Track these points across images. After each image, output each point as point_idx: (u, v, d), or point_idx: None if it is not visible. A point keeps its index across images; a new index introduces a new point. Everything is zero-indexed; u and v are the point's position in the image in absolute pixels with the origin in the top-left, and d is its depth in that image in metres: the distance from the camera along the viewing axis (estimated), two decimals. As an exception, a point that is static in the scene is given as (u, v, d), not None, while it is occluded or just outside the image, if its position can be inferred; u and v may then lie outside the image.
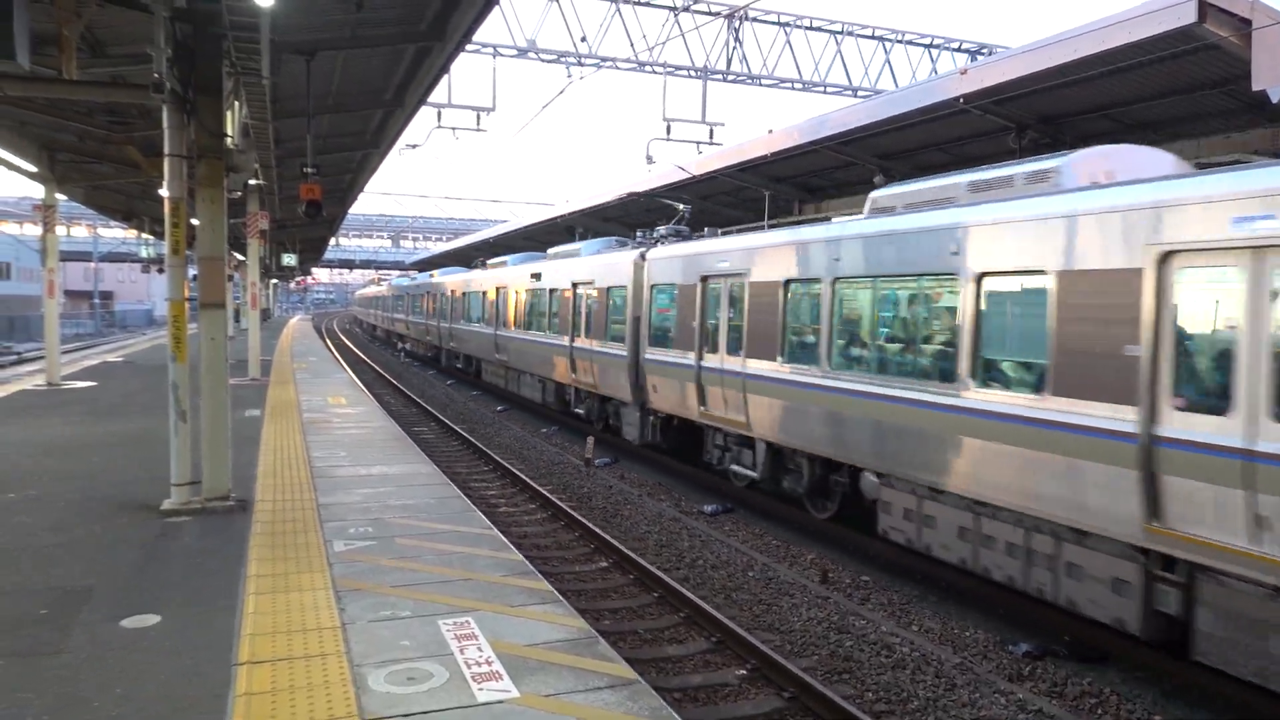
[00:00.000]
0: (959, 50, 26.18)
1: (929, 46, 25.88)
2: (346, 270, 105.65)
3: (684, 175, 19.28)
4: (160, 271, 36.31)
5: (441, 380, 30.83)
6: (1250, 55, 9.11)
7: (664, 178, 20.68)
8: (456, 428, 18.33)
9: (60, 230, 17.88)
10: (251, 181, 16.87)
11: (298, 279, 77.96)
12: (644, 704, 4.53)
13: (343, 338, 56.93)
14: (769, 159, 16.89)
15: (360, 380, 24.76)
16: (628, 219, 27.31)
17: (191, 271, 13.30)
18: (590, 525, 10.64)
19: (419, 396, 24.64)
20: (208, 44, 7.97)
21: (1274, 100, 9.19)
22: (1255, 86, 9.15)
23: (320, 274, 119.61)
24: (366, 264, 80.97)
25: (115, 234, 62.93)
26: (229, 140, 8.87)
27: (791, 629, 7.95)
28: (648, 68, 22.65)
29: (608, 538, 10.12)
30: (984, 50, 25.99)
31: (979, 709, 6.44)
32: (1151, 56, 10.33)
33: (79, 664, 4.87)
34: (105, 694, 4.53)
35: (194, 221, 9.15)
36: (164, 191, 8.13)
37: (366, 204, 72.36)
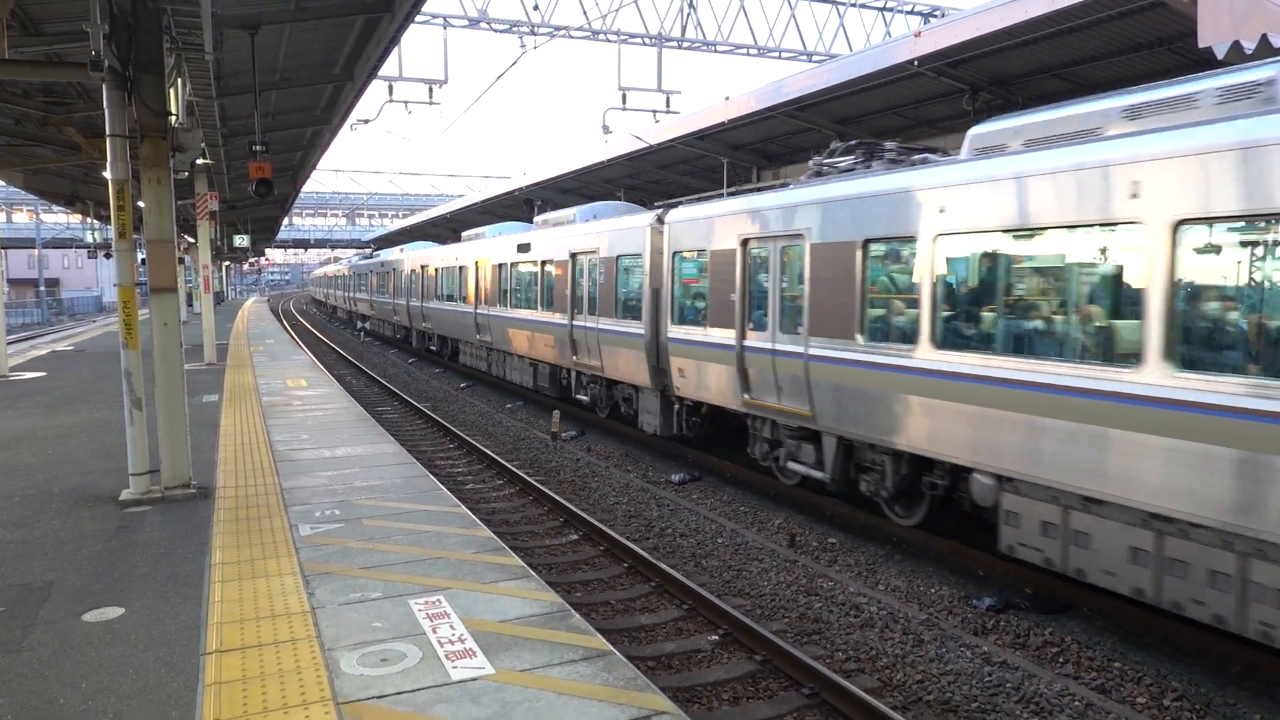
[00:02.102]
0: (912, 13, 26.20)
1: (882, 10, 25.87)
2: (301, 250, 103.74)
3: (641, 145, 19.14)
4: (108, 257, 35.39)
5: (403, 359, 30.52)
6: (1196, 12, 9.21)
7: (621, 148, 20.50)
8: (420, 406, 18.18)
9: (0, 216, 17.33)
10: (199, 161, 16.46)
11: (251, 260, 76.31)
12: (618, 674, 4.56)
13: (300, 319, 56.09)
14: (726, 126, 16.84)
15: (320, 361, 24.47)
16: (586, 190, 27.09)
17: (140, 256, 13.01)
18: (559, 499, 10.65)
19: (381, 376, 24.39)
20: (146, 19, 7.70)
21: (1220, 57, 9.30)
22: (1201, 44, 9.26)
23: (274, 255, 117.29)
24: (321, 243, 79.63)
25: (59, 219, 61.16)
26: (173, 119, 8.63)
27: (761, 593, 8.04)
28: (602, 36, 22.38)
29: (577, 510, 10.14)
30: (937, 13, 26.04)
31: (946, 663, 6.59)
32: (1101, 15, 10.42)
33: (43, 661, 4.78)
34: (72, 690, 4.45)
35: (141, 204, 8.91)
36: (108, 174, 7.89)
37: (320, 182, 70.44)
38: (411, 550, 6.49)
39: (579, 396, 16.25)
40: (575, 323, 15.68)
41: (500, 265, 20.00)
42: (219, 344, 21.69)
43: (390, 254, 36.75)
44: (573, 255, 15.78)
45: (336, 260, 74.48)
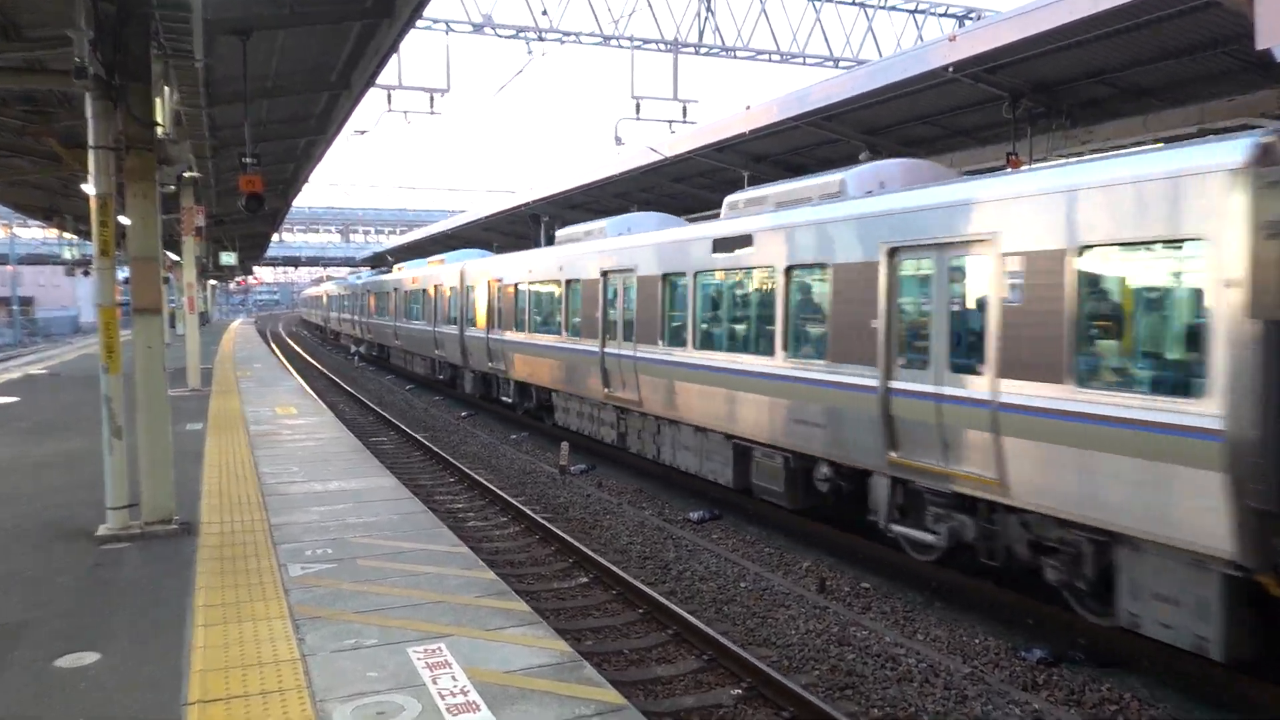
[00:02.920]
0: (945, 15, 26.36)
1: (914, 12, 26.04)
2: (291, 268, 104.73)
3: (656, 157, 19.25)
4: (86, 274, 35.73)
5: (400, 385, 30.60)
6: (1253, 12, 9.20)
7: (634, 160, 20.64)
8: (418, 436, 18.20)
9: (-26, 232, 17.58)
10: (186, 174, 16.63)
11: (238, 279, 77.11)
12: (636, 731, 4.49)
13: (290, 342, 56.37)
14: (747, 137, 16.93)
15: (311, 387, 24.53)
16: (595, 205, 27.25)
17: (122, 274, 13.13)
18: (568, 538, 10.60)
19: (376, 403, 24.44)
20: (134, 24, 7.80)
21: (1279, 59, 9.28)
22: (1259, 45, 9.22)
23: (263, 273, 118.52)
24: (313, 261, 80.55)
25: (35, 234, 61.93)
26: (160, 129, 8.71)
27: (789, 643, 7.95)
28: (614, 42, 22.59)
29: (587, 551, 10.09)
30: (972, 15, 26.19)
31: (992, 721, 6.47)
32: (1150, 17, 10.44)
33: (11, 710, 4.75)
34: (42, 743, 4.42)
35: (123, 220, 8.97)
36: (89, 187, 7.97)
37: (312, 195, 71.45)
38: (409, 593, 6.46)
39: (900, 529, 9.28)
40: (900, 385, 8.96)
41: (664, 279, 13.40)
42: (204, 368, 21.80)
43: (423, 266, 29.74)
44: (893, 251, 9.13)
45: (328, 279, 74.77)
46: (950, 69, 12.49)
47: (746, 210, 12.12)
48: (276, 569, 7.03)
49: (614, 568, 9.49)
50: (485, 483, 13.70)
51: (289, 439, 13.30)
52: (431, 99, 20.45)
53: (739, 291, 12.06)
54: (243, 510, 8.92)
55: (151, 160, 8.08)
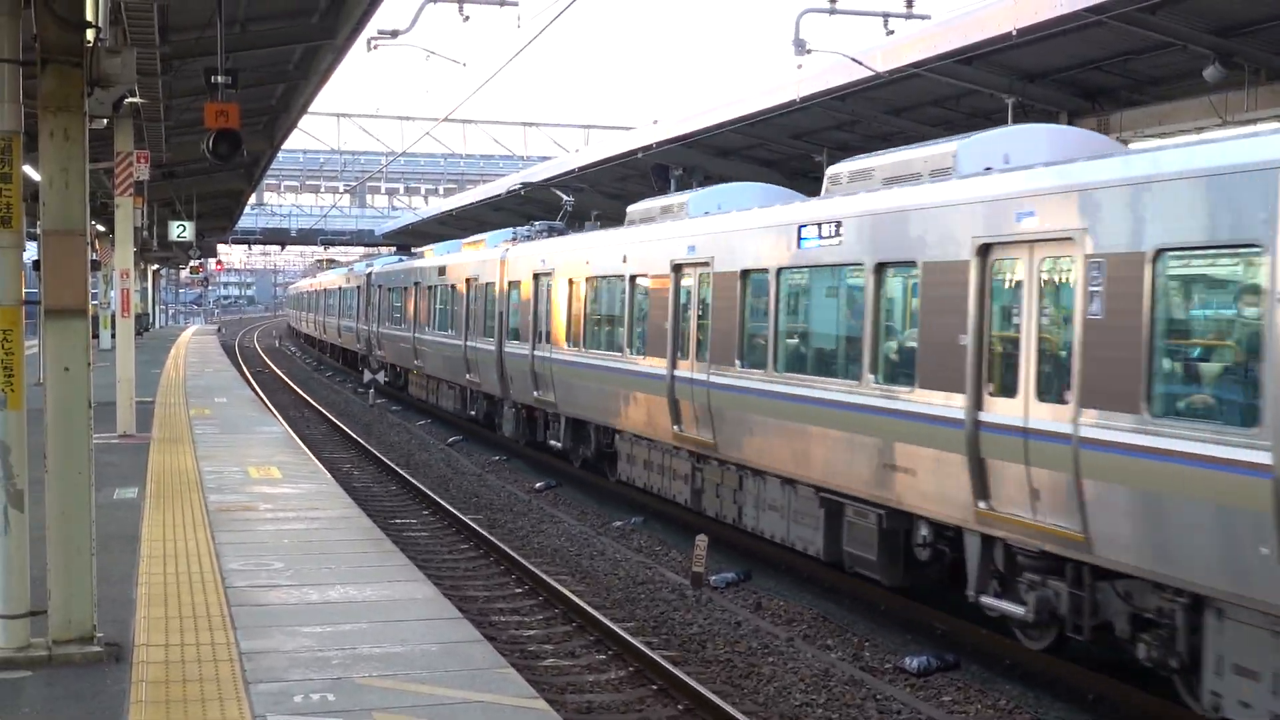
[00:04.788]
0: None
1: None
2: (275, 249, 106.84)
3: (861, 73, 19.13)
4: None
5: (438, 434, 31.02)
6: None
7: (824, 78, 20.60)
8: (468, 519, 18.44)
9: None
10: (127, 100, 17.27)
11: (193, 264, 78.84)
12: None
13: (270, 363, 57.91)
14: (1014, 40, 16.64)
15: (302, 436, 25.11)
16: (756, 151, 27.26)
17: (29, 255, 13.67)
18: (704, 692, 10.49)
19: (402, 464, 24.80)
20: None
21: None
22: None
23: (230, 255, 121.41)
24: (307, 238, 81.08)
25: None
26: (93, 32, 8.98)
27: None
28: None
29: (735, 715, 9.94)
30: None
31: None
32: None
33: None
34: None
35: (32, 173, 9.31)
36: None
37: (313, 134, 71.27)
38: (456, 771, 6.51)
39: None
40: None
41: None
42: (141, 402, 22.51)
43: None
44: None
45: (329, 264, 75.74)
46: None
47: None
48: (249, 722, 7.16)
49: (781, 745, 9.40)
50: (572, 597, 13.75)
51: (269, 517, 13.66)
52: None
53: None
54: (198, 628, 9.11)
55: (79, 80, 8.34)
